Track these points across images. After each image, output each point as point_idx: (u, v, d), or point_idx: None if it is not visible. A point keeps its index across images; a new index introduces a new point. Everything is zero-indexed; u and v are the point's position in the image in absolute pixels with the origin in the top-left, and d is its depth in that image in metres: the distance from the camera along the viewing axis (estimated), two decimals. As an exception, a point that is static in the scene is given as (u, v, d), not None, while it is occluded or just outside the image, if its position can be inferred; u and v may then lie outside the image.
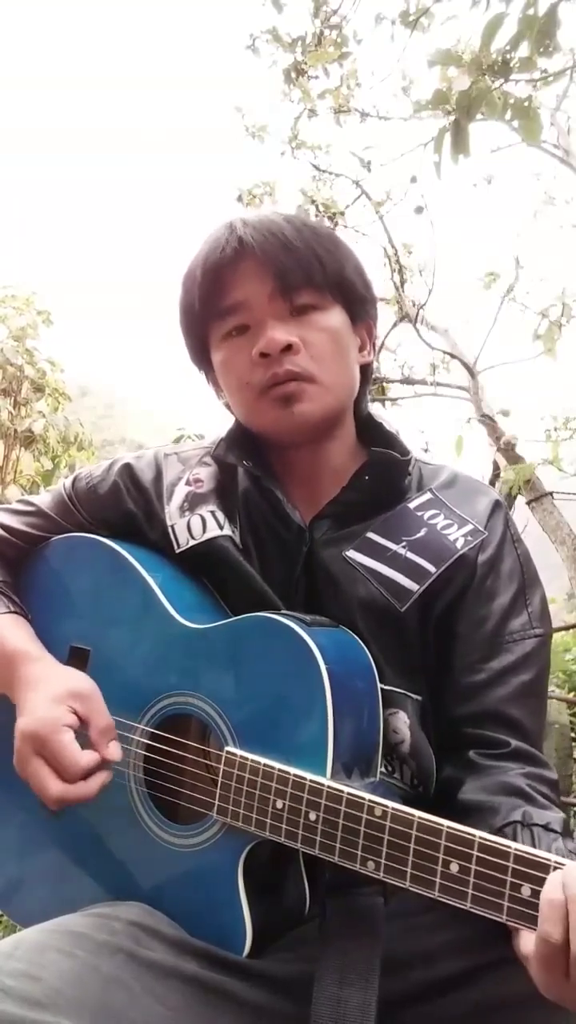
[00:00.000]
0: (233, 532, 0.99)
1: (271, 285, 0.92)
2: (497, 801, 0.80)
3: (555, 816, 0.76)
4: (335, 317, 0.96)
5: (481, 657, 0.90)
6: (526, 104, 2.31)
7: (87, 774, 0.85)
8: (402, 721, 0.90)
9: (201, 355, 1.03)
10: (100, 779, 0.86)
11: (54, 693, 0.89)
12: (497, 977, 0.74)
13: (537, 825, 0.75)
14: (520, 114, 2.30)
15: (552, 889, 0.62)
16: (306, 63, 4.22)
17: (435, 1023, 0.77)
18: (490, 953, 0.75)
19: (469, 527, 0.96)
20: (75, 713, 0.88)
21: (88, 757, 0.85)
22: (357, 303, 0.99)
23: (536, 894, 0.63)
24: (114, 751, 0.88)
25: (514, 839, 0.73)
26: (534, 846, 0.71)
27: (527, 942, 0.65)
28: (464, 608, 0.92)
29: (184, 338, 1.04)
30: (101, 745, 0.88)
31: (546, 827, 0.74)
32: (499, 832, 0.75)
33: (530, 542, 1.01)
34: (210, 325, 0.98)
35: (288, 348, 0.92)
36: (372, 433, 1.04)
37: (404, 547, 0.94)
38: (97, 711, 0.90)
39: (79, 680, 0.92)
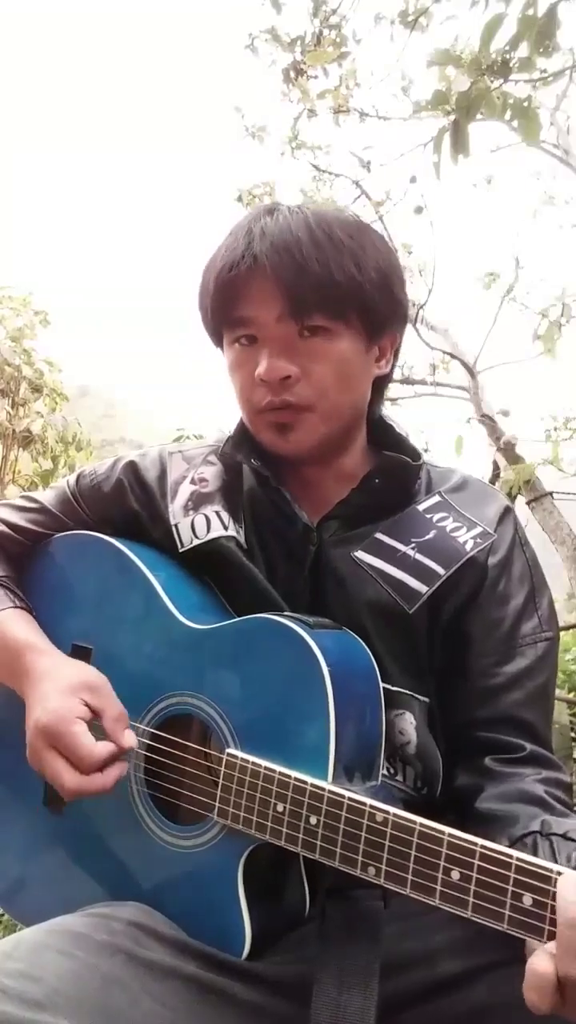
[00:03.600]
0: (237, 532, 0.98)
1: (280, 308, 0.89)
2: (515, 810, 0.79)
3: (574, 824, 0.76)
4: (345, 342, 0.92)
5: (496, 661, 0.90)
6: (526, 104, 2.30)
7: (103, 765, 0.84)
8: (408, 722, 0.90)
9: (219, 343, 1.02)
10: (116, 770, 0.86)
11: (64, 685, 0.88)
12: (498, 978, 0.74)
13: (556, 834, 0.74)
14: (520, 114, 2.30)
15: (540, 961, 0.60)
16: (305, 63, 4.21)
17: None
18: (491, 954, 0.75)
19: (478, 530, 0.95)
20: (87, 705, 0.87)
21: (103, 747, 0.84)
22: (376, 321, 0.94)
23: (538, 904, 0.63)
24: (129, 739, 0.87)
25: (534, 849, 0.73)
26: (554, 855, 0.72)
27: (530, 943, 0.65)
28: (476, 611, 0.92)
29: (203, 326, 1.02)
30: (116, 734, 0.87)
31: (565, 836, 0.74)
32: (519, 842, 0.75)
33: (530, 542, 1.01)
34: (222, 328, 0.97)
35: (287, 378, 0.91)
36: (382, 436, 1.03)
37: (413, 548, 0.94)
38: (109, 701, 0.89)
39: (88, 671, 0.92)
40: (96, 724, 0.87)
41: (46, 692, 0.88)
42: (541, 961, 0.60)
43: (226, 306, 0.93)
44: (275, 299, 0.89)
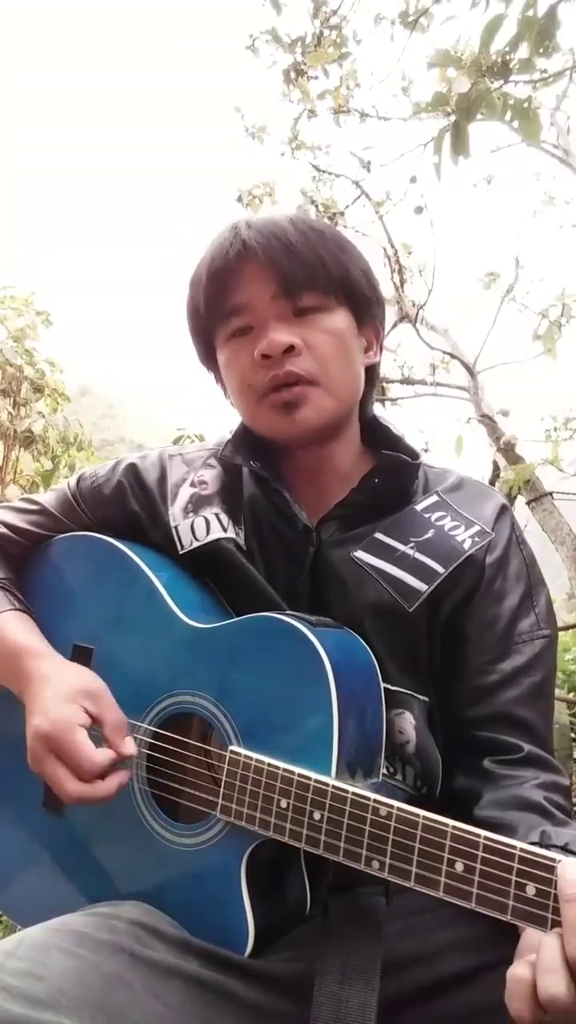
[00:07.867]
0: (237, 534, 0.99)
1: (273, 287, 0.92)
2: (514, 819, 0.79)
3: (574, 834, 0.76)
4: (339, 319, 0.96)
5: (492, 659, 0.91)
6: (526, 105, 2.31)
7: (104, 773, 0.85)
8: (408, 722, 0.90)
9: (208, 356, 1.04)
10: (118, 779, 0.86)
11: (64, 691, 0.88)
12: (499, 977, 0.74)
13: (556, 846, 0.74)
14: (520, 114, 2.30)
15: (519, 966, 0.63)
16: (306, 63, 4.22)
17: (437, 1023, 0.77)
18: (493, 953, 0.75)
19: (476, 528, 0.96)
20: (86, 711, 0.87)
21: (103, 755, 0.85)
22: (363, 305, 0.99)
23: (541, 893, 0.63)
24: (129, 747, 0.88)
25: None
26: None
27: (527, 940, 0.66)
28: (473, 609, 0.92)
29: (191, 339, 1.04)
30: (116, 742, 0.87)
31: (565, 848, 0.74)
32: None
33: (530, 542, 1.01)
34: (215, 327, 0.98)
35: (290, 349, 0.92)
36: (377, 436, 1.04)
37: (412, 548, 0.94)
38: (109, 708, 0.89)
39: (88, 678, 0.92)
40: (96, 731, 0.87)
41: (46, 698, 0.88)
42: (520, 967, 0.63)
43: (219, 296, 0.95)
44: (267, 280, 0.92)
